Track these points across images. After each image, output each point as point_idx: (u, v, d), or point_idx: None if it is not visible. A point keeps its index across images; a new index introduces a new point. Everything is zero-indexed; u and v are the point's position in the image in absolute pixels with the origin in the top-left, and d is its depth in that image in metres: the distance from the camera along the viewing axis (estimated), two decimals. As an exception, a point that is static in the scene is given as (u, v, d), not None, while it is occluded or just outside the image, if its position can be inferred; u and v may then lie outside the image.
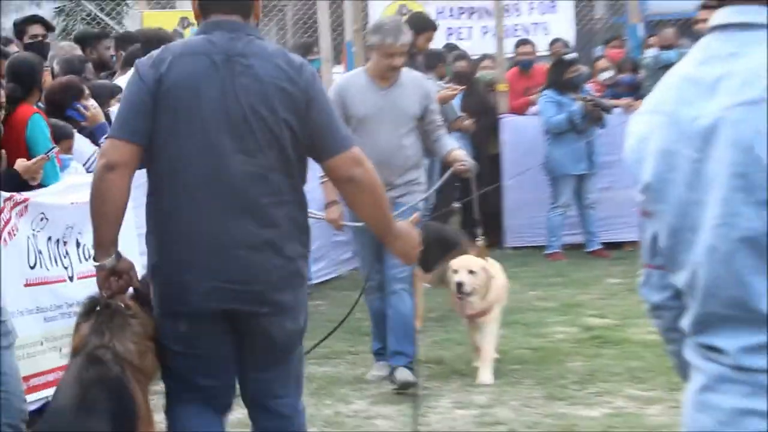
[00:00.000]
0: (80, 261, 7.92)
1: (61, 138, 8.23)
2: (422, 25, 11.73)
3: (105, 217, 4.97)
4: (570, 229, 12.81)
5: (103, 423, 4.87)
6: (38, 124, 7.67)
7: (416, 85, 8.07)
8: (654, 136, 2.76)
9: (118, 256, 5.00)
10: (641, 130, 2.82)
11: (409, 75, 8.11)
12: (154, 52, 5.00)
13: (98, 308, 5.14)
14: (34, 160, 7.23)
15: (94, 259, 5.03)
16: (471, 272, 7.97)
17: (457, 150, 8.04)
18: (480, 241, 8.39)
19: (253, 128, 4.87)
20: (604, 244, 12.73)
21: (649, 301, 2.98)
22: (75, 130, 8.70)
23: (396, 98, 7.92)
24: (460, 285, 7.93)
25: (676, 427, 2.73)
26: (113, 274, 5.02)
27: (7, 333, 5.00)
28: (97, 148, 8.25)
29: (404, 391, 7.60)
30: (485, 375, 7.93)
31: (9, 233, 7.29)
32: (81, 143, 8.80)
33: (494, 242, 12.85)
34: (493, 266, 8.39)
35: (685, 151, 2.68)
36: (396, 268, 7.69)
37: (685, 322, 2.80)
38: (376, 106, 7.86)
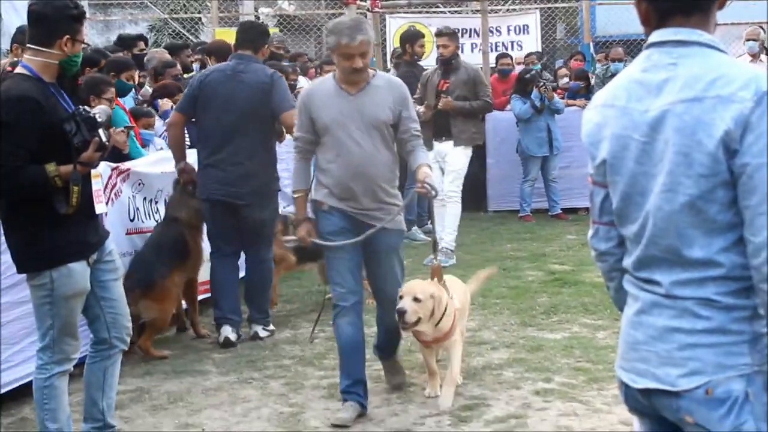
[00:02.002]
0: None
1: (139, 117, 8.44)
2: (412, 36, 11.67)
3: (173, 147, 7.68)
4: (538, 197, 12.81)
5: (168, 255, 7.27)
6: (117, 112, 7.93)
7: (389, 89, 5.74)
8: (609, 124, 2.81)
9: (185, 162, 7.57)
10: (596, 119, 2.87)
11: (383, 79, 5.86)
12: (204, 71, 8.37)
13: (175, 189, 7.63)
14: (116, 129, 7.57)
15: (176, 164, 7.57)
16: (416, 300, 5.73)
17: (424, 167, 5.63)
18: (435, 263, 5.97)
19: (244, 110, 7.29)
20: (563, 209, 12.72)
21: (597, 249, 3.03)
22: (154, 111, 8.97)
23: (364, 104, 5.66)
24: (401, 314, 5.70)
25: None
26: (182, 171, 7.53)
27: (116, 269, 5.02)
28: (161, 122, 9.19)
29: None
30: (446, 399, 5.90)
31: (115, 194, 7.35)
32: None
33: (481, 207, 12.93)
34: (452, 284, 6.23)
35: (636, 136, 2.73)
36: (386, 291, 5.90)
37: (627, 262, 2.85)
38: (341, 113, 5.62)
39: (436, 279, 5.93)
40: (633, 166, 2.75)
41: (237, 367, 6.89)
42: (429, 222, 10.11)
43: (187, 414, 6.04)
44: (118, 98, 8.17)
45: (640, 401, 2.85)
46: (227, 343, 7.38)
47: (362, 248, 5.77)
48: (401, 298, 5.77)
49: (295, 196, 5.92)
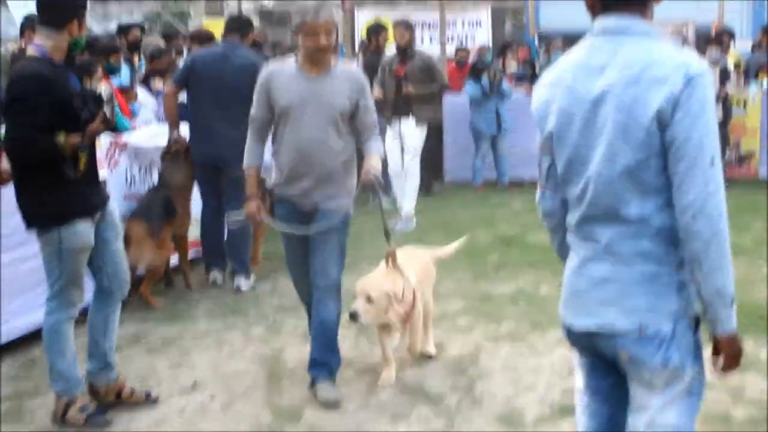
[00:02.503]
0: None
1: (123, 92, 8.57)
2: (377, 28, 11.64)
3: (168, 115, 7.61)
4: (489, 170, 12.81)
5: (156, 215, 7.15)
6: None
7: (349, 78, 5.07)
8: (556, 100, 2.80)
9: (178, 133, 7.53)
10: (545, 96, 2.87)
11: (343, 68, 5.15)
12: (196, 51, 8.32)
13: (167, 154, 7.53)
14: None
15: (170, 131, 7.55)
16: (369, 300, 5.12)
17: (373, 158, 5.02)
18: (390, 249, 5.25)
19: (231, 87, 7.23)
20: (511, 181, 12.73)
21: (543, 208, 3.04)
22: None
23: (323, 89, 5.01)
24: (353, 316, 5.12)
25: (559, 300, 2.76)
26: (175, 142, 7.49)
27: (116, 227, 4.98)
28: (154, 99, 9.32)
29: (327, 407, 5.08)
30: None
31: (114, 163, 7.29)
32: (142, 94, 8.95)
33: (438, 177, 12.88)
34: (410, 258, 5.57)
35: (579, 112, 2.73)
36: (320, 276, 5.11)
37: (570, 220, 2.86)
38: (300, 96, 5.00)
39: (390, 263, 5.27)
40: (576, 137, 2.75)
41: (223, 315, 6.88)
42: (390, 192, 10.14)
43: (179, 355, 6.03)
44: (107, 77, 8.16)
45: (580, 340, 2.87)
46: (215, 284, 7.70)
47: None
48: (354, 297, 5.16)
49: (247, 173, 5.20)
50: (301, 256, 5.19)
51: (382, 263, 5.36)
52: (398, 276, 5.26)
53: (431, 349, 5.77)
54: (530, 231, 9.21)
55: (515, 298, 7.04)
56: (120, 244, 5.03)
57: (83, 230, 4.70)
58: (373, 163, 4.98)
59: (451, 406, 5.03)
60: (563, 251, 2.99)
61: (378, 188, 5.00)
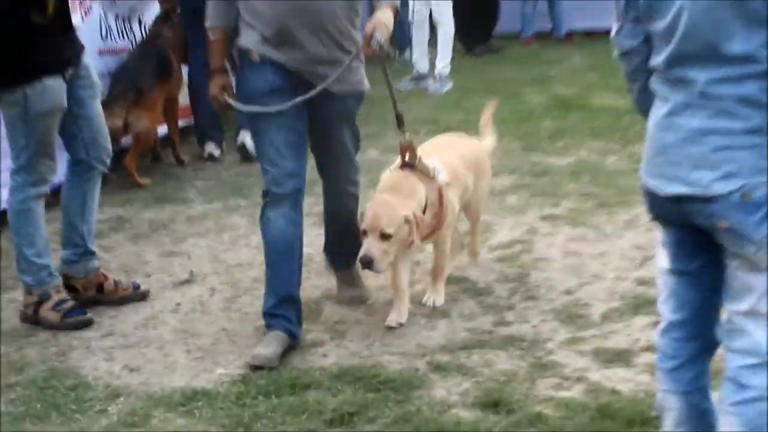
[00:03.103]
0: (142, 35, 7.92)
1: None
2: None
3: None
4: (541, 18, 12.66)
5: (153, 69, 7.31)
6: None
7: None
8: None
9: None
10: None
11: None
12: None
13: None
14: None
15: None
16: (385, 236, 4.51)
17: (381, 13, 4.36)
18: (404, 139, 4.66)
19: None
20: (568, 32, 12.58)
21: (622, 47, 2.99)
22: None
23: None
24: (366, 262, 4.53)
25: (630, 173, 2.74)
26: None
27: (93, 85, 4.95)
28: None
29: (351, 303, 5.01)
30: (438, 297, 4.97)
31: (85, 12, 7.23)
32: None
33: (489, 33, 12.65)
34: (441, 148, 5.11)
35: None
36: (333, 181, 4.82)
37: (656, 61, 2.81)
38: None
39: (408, 156, 4.74)
40: None
41: (222, 195, 6.92)
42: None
43: (171, 242, 6.07)
44: None
45: (667, 210, 2.84)
46: (211, 158, 7.77)
47: (307, 115, 4.52)
48: (364, 234, 4.56)
49: (211, 38, 4.56)
50: (292, 140, 4.46)
51: (398, 160, 4.86)
52: (417, 180, 4.74)
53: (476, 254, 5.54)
54: (593, 92, 9.16)
55: (576, 172, 7.02)
56: (99, 107, 5.00)
57: (53, 88, 4.66)
58: (378, 24, 4.34)
59: (500, 301, 5.05)
60: (645, 100, 2.94)
61: (383, 59, 4.39)
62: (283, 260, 4.52)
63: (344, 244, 4.96)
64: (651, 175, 2.84)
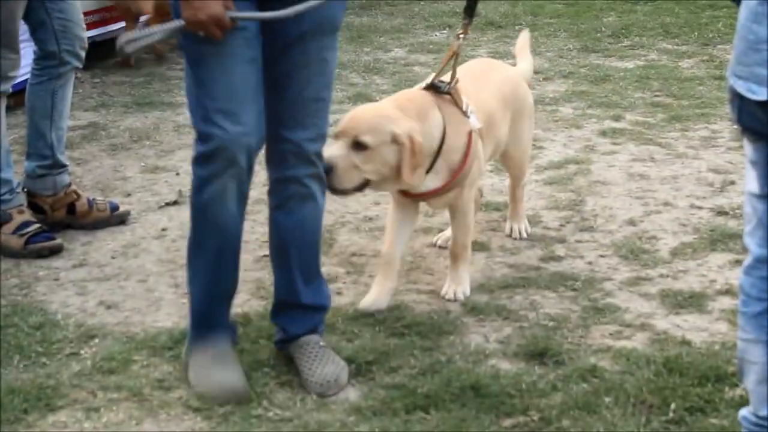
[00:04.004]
0: None
1: None
2: None
3: None
4: None
5: None
6: None
7: None
8: None
9: None
10: None
11: None
12: None
13: None
14: None
15: None
16: (359, 145, 3.96)
17: None
18: (455, 43, 4.18)
19: None
20: None
21: None
22: None
23: None
24: (326, 171, 3.75)
25: (709, 81, 2.71)
26: None
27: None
28: None
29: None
30: (463, 286, 4.32)
31: None
32: None
33: None
34: (479, 81, 4.50)
35: None
36: (292, 129, 3.60)
37: None
38: None
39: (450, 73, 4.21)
40: None
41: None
42: None
43: (155, 155, 6.10)
44: None
45: (758, 118, 2.82)
46: None
47: (262, 41, 3.56)
48: (336, 137, 4.01)
49: None
50: (249, 80, 3.49)
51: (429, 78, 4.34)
52: (438, 107, 4.18)
53: (519, 232, 5.01)
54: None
55: (644, 79, 6.99)
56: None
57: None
58: None
59: (549, 232, 5.07)
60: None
61: None
62: (228, 246, 3.73)
63: (307, 258, 3.89)
64: (741, 77, 2.81)
